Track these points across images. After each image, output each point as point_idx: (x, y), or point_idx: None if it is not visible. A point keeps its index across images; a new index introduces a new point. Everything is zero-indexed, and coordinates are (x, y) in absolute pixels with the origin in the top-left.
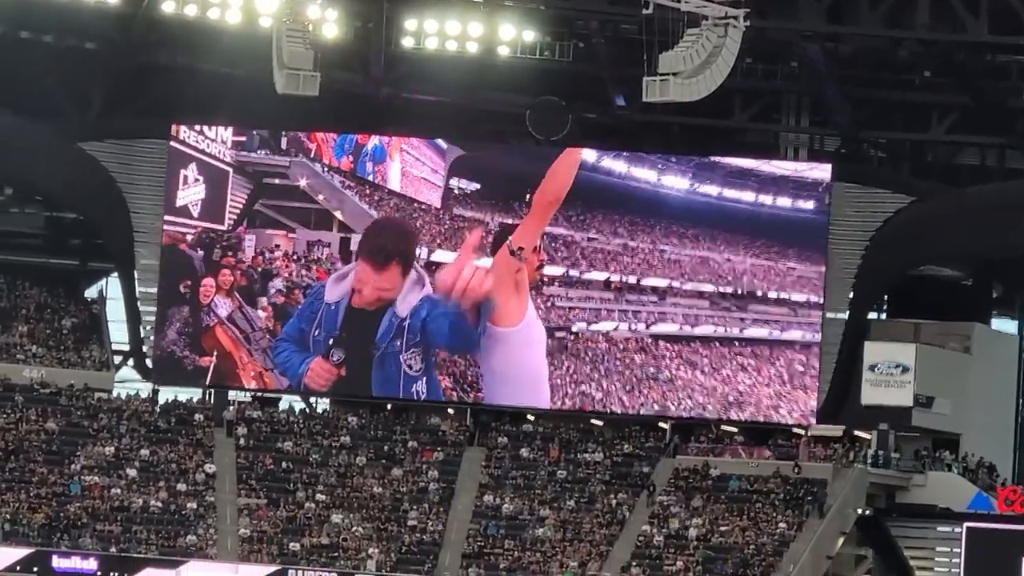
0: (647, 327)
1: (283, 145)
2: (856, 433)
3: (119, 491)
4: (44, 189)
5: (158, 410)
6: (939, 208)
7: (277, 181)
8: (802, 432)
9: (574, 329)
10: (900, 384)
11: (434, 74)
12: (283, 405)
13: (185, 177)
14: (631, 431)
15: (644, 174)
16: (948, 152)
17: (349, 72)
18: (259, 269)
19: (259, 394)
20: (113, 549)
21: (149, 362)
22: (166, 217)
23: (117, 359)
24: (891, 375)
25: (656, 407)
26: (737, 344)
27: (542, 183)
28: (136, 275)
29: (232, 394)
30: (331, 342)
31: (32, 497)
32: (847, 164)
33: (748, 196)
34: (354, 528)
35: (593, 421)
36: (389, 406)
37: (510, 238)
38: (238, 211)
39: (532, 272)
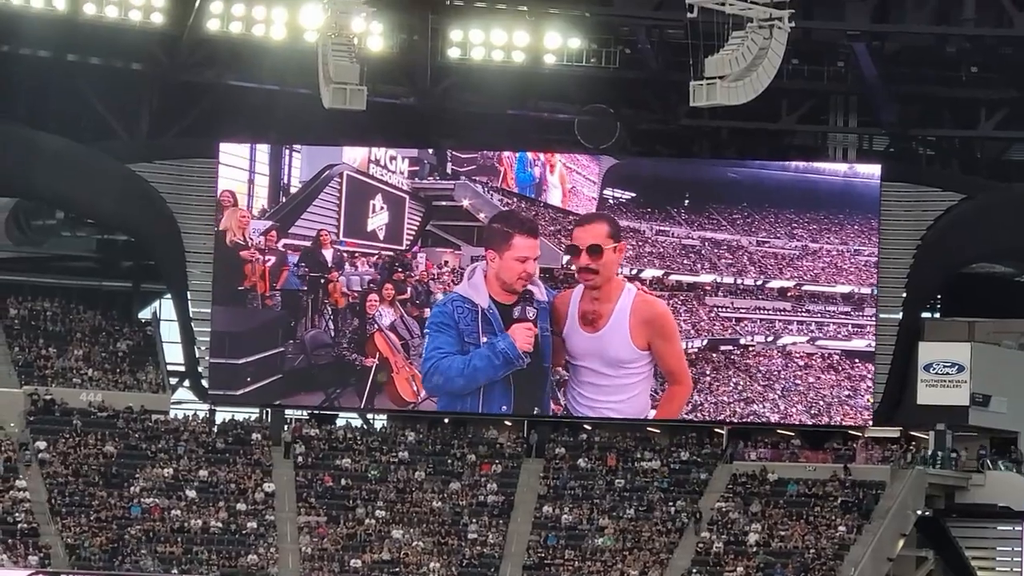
0: (833, 340)
1: (448, 169)
2: (912, 434)
3: (179, 512)
4: (95, 211)
5: (215, 431)
6: (990, 204)
7: (444, 203)
8: (859, 434)
9: (742, 342)
10: (956, 383)
11: (481, 84)
12: (340, 422)
13: (373, 206)
14: (687, 438)
15: (831, 165)
16: (998, 148)
17: (396, 85)
18: (425, 283)
19: (316, 411)
20: (175, 571)
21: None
22: (356, 241)
23: (172, 381)
24: (946, 374)
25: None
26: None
27: None
28: (185, 294)
29: (289, 412)
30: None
31: (93, 521)
32: (896, 163)
33: None
34: (415, 543)
35: (649, 428)
36: (447, 420)
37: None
38: (414, 232)
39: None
